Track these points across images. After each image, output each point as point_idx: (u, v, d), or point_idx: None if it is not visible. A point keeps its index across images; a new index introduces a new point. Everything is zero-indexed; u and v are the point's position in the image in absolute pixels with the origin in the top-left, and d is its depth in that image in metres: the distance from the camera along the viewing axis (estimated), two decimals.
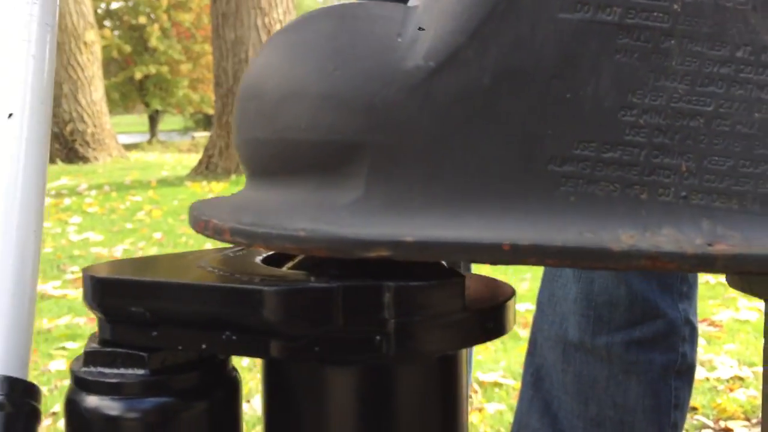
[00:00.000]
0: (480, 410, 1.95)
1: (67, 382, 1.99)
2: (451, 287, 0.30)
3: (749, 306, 2.83)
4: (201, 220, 0.31)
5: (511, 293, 0.34)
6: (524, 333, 2.61)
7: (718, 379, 2.18)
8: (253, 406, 1.86)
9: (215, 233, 0.30)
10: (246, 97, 0.31)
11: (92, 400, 0.31)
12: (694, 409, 1.98)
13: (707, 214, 0.30)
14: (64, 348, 2.35)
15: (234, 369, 0.35)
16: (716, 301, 2.86)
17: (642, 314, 0.97)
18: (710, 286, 3.06)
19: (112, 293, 0.31)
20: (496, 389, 2.11)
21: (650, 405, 1.00)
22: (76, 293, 2.94)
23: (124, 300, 0.31)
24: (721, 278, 3.24)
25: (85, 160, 8.40)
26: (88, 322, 2.58)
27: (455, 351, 0.32)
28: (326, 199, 0.30)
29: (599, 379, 0.99)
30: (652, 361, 0.99)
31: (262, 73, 0.31)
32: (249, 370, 2.06)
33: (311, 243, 0.28)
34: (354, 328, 0.29)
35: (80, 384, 0.32)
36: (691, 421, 1.92)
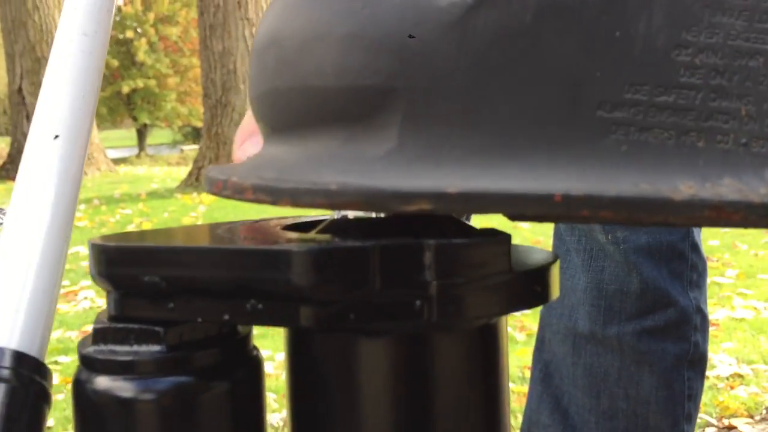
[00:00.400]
0: None
1: (61, 397, 1.95)
2: (497, 245, 0.27)
3: (744, 305, 2.82)
4: (218, 180, 0.28)
5: (555, 257, 0.31)
6: (521, 336, 2.59)
7: (718, 377, 2.17)
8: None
9: (235, 192, 0.27)
10: (263, 45, 0.29)
11: (102, 381, 0.28)
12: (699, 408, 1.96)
13: None
14: (56, 362, 2.30)
15: (255, 348, 0.32)
16: (712, 300, 2.85)
17: (653, 303, 0.95)
18: None
19: (122, 262, 0.28)
20: None
21: (664, 396, 0.97)
22: (68, 307, 2.89)
23: (136, 269, 0.28)
24: (716, 277, 3.23)
25: None
26: (80, 335, 2.54)
27: (500, 317, 0.29)
28: (357, 151, 0.27)
29: (611, 370, 0.97)
30: (664, 350, 0.96)
31: (282, 16, 0.28)
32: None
33: (344, 197, 0.25)
34: (392, 291, 0.26)
35: (88, 364, 0.29)
36: None
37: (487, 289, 0.27)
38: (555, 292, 0.30)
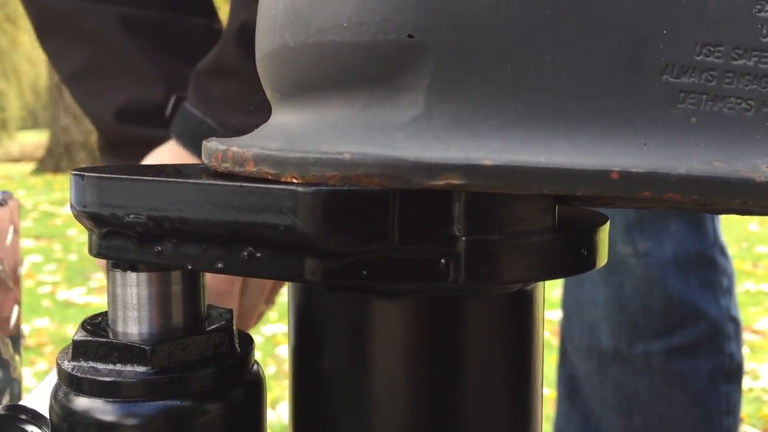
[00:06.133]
0: None
1: None
2: (540, 199, 0.23)
3: None
4: (218, 150, 0.25)
5: (605, 219, 0.27)
6: (557, 342, 2.53)
7: (763, 389, 2.10)
8: (278, 414, 1.79)
9: (235, 163, 0.24)
10: None
11: (82, 402, 0.25)
12: (741, 419, 1.90)
13: None
14: None
15: (257, 364, 0.28)
16: (758, 309, 2.76)
17: (681, 318, 0.89)
18: (751, 293, 2.97)
19: (106, 197, 0.24)
20: None
21: (700, 415, 0.91)
22: (101, 300, 2.90)
23: (120, 205, 0.24)
24: (763, 285, 3.13)
25: None
26: None
27: (535, 284, 0.25)
28: (377, 118, 0.23)
29: (640, 389, 0.91)
30: (697, 368, 0.91)
31: None
32: (274, 378, 2.00)
33: (360, 168, 0.22)
34: (413, 246, 0.22)
35: (68, 381, 0.25)
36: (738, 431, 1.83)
37: (525, 249, 0.23)
38: (603, 257, 0.26)
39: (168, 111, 0.63)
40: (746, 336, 2.48)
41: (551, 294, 2.98)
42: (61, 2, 0.65)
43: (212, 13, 0.71)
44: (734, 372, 0.94)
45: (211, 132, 0.59)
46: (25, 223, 4.67)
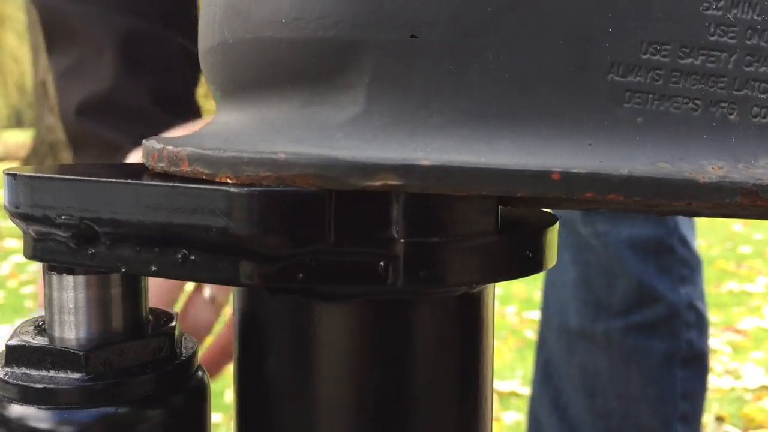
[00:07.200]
0: (497, 420, 1.87)
1: None
2: (482, 200, 0.22)
3: None
4: (154, 150, 0.24)
5: (554, 219, 0.26)
6: None
7: (744, 389, 2.11)
8: None
9: (171, 163, 0.23)
10: None
11: (15, 410, 0.24)
12: (722, 418, 1.91)
13: None
14: None
15: (201, 369, 0.27)
16: (741, 309, 2.77)
17: (640, 298, 0.92)
18: (735, 294, 2.98)
19: (38, 197, 0.24)
20: (513, 398, 2.03)
21: (653, 394, 0.94)
22: None
23: (52, 206, 0.23)
24: (746, 285, 3.15)
25: None
26: None
27: (483, 286, 0.25)
28: (315, 117, 0.23)
29: (602, 368, 0.95)
30: (652, 347, 0.94)
31: None
32: None
33: (293, 169, 0.21)
34: (350, 248, 0.21)
35: (1, 388, 0.25)
36: (719, 430, 1.84)
37: (466, 251, 0.22)
38: (551, 259, 0.25)
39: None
40: (729, 336, 2.48)
41: (535, 294, 2.98)
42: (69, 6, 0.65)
43: (192, 34, 0.70)
44: (693, 359, 0.96)
45: None
46: (9, 223, 4.63)
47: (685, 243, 0.95)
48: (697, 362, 0.96)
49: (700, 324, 0.96)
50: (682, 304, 0.94)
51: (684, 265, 0.95)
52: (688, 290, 0.95)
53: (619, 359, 0.94)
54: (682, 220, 0.94)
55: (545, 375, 1.01)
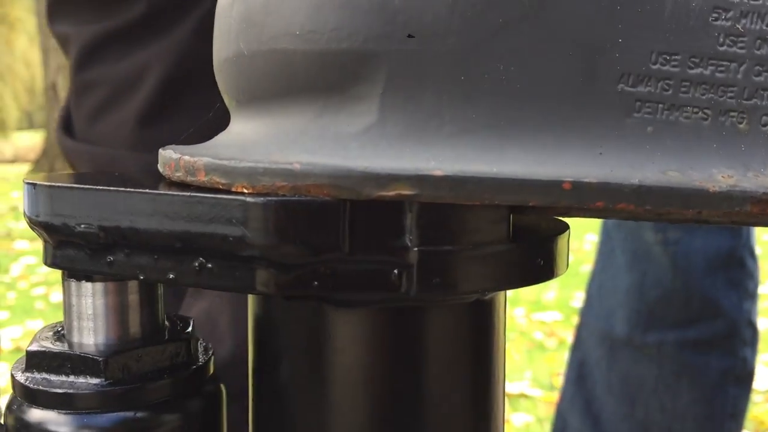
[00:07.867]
0: (506, 422, 1.87)
1: None
2: (494, 209, 0.23)
3: None
4: (171, 159, 0.24)
5: (565, 227, 0.26)
6: (551, 343, 2.53)
7: (755, 390, 2.10)
8: None
9: (187, 172, 0.23)
10: (227, 2, 0.25)
11: (36, 414, 0.25)
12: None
13: None
14: None
15: (216, 377, 0.28)
16: None
17: (700, 312, 0.89)
18: None
19: (57, 206, 0.24)
20: (522, 400, 2.03)
21: (703, 413, 0.91)
22: None
23: (72, 215, 0.24)
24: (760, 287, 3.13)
25: None
26: None
27: (494, 293, 0.25)
28: (329, 127, 0.23)
29: (647, 380, 0.92)
30: (708, 364, 0.91)
31: None
32: None
33: (309, 179, 0.21)
34: (364, 257, 0.22)
35: (21, 393, 0.25)
36: None
37: (478, 260, 0.23)
38: (562, 267, 0.25)
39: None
40: None
41: (545, 296, 2.98)
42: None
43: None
44: (745, 377, 0.94)
45: None
46: (20, 225, 4.66)
47: (753, 255, 0.93)
48: (748, 380, 0.94)
49: (754, 341, 0.94)
50: (743, 321, 0.92)
51: (750, 279, 0.92)
52: (749, 306, 0.92)
53: (669, 372, 0.91)
54: (754, 230, 0.91)
55: (579, 375, 0.99)
